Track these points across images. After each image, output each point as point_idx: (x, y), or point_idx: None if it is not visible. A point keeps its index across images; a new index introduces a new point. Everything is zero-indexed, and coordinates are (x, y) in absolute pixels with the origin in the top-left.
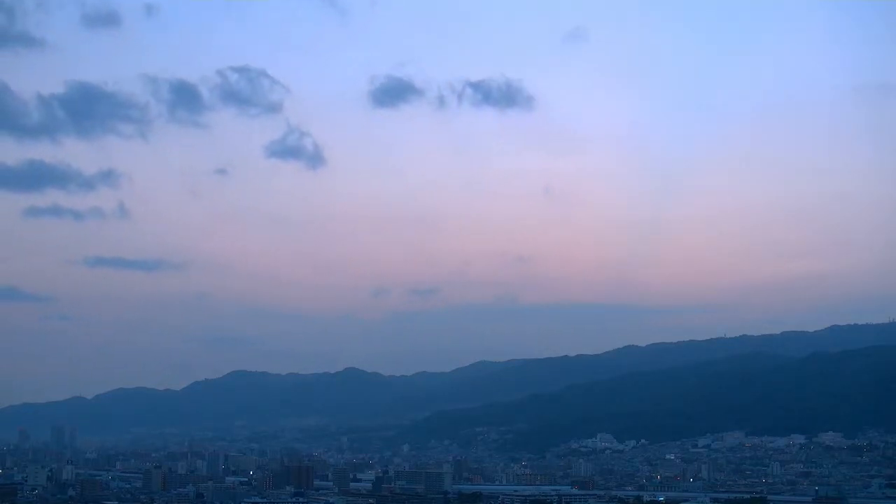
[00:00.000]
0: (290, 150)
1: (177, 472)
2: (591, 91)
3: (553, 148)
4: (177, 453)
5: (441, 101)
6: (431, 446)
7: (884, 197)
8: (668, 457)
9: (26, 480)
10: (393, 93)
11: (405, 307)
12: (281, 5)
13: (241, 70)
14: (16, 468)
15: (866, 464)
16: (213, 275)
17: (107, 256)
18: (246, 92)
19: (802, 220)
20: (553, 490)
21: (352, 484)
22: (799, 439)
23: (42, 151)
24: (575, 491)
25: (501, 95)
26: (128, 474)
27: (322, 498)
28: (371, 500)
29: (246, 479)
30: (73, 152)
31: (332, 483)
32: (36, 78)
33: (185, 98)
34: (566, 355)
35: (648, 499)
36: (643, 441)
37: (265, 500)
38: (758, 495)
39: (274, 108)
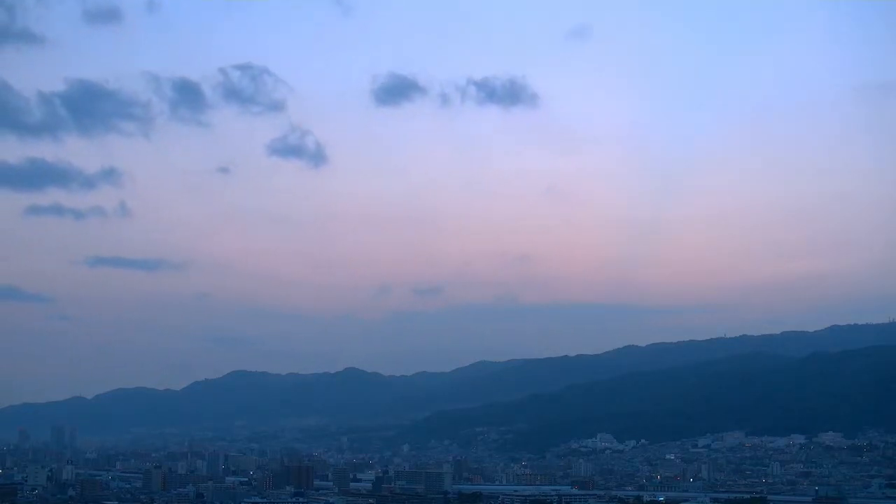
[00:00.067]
0: (292, 148)
1: (177, 472)
2: (594, 89)
3: (555, 147)
4: (177, 453)
5: (444, 100)
6: (431, 446)
7: (884, 197)
8: (668, 457)
9: (26, 480)
10: (396, 91)
11: (407, 307)
12: (284, 3)
13: (244, 68)
14: (16, 468)
15: (866, 464)
16: (214, 274)
17: (107, 256)
18: (248, 90)
19: (802, 220)
20: (553, 490)
21: (352, 484)
22: (799, 439)
23: (43, 150)
24: (575, 491)
25: (505, 93)
26: (128, 474)
27: (322, 498)
28: (371, 500)
29: (246, 479)
30: (74, 151)
31: (332, 483)
32: (37, 75)
33: (186, 96)
34: (566, 355)
35: (648, 499)
36: (643, 441)
37: (265, 500)
38: (758, 495)
39: (276, 107)
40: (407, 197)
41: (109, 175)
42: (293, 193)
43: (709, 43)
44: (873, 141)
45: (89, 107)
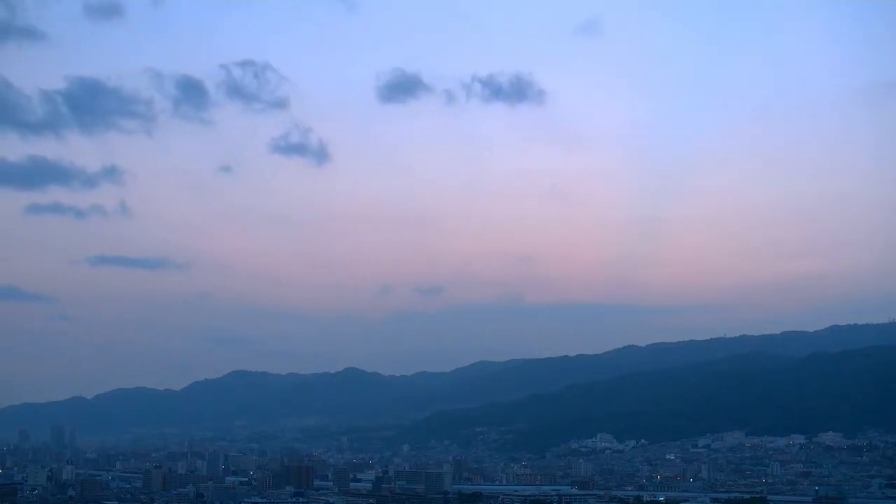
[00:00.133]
0: (295, 146)
1: (177, 472)
2: (600, 87)
3: (559, 146)
4: (177, 453)
5: (449, 97)
6: (431, 446)
7: (884, 197)
8: (668, 457)
9: (26, 480)
10: (400, 88)
11: (408, 306)
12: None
13: (246, 65)
14: (16, 468)
15: (866, 464)
16: (215, 274)
17: (108, 255)
18: (251, 87)
19: (802, 220)
20: (553, 490)
21: (352, 484)
22: (799, 439)
23: (44, 148)
24: (575, 491)
25: (511, 90)
26: (128, 474)
27: (322, 498)
28: (371, 500)
29: (246, 479)
30: (75, 149)
31: (332, 483)
32: (38, 73)
33: (189, 93)
34: (566, 355)
35: (648, 499)
36: (643, 441)
37: (265, 500)
38: (758, 495)
39: (279, 104)
40: (409, 196)
41: (111, 173)
42: (295, 192)
43: (709, 42)
44: (873, 141)
45: (90, 104)
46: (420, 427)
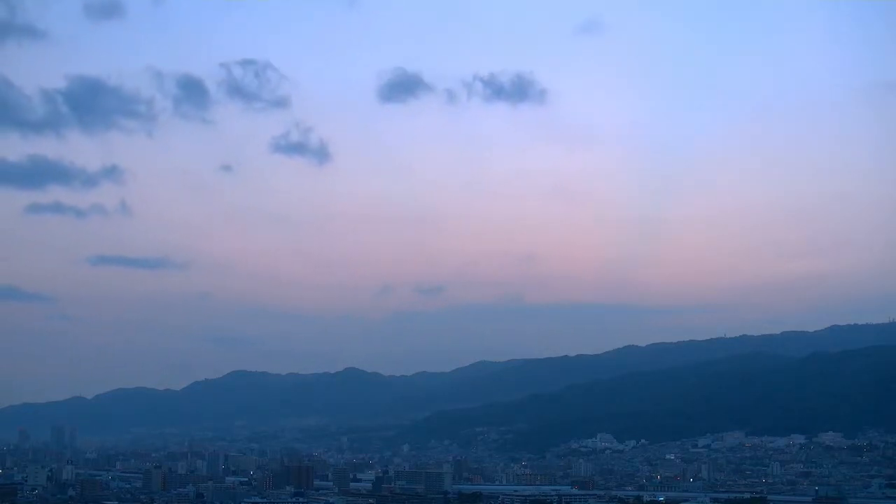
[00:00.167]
0: (295, 146)
1: (177, 472)
2: (601, 86)
3: (560, 145)
4: (177, 453)
5: (450, 96)
6: (431, 446)
7: (884, 197)
8: (668, 457)
9: (26, 480)
10: (401, 87)
11: (409, 306)
12: None
13: (247, 64)
14: (16, 468)
15: (866, 464)
16: (216, 274)
17: (109, 255)
18: (251, 86)
19: (802, 220)
20: (553, 490)
21: (352, 484)
22: (799, 439)
23: (44, 147)
24: (575, 491)
25: (512, 90)
26: (128, 474)
27: (322, 498)
28: (371, 500)
29: (246, 479)
30: (75, 148)
31: (332, 483)
32: (38, 71)
33: (189, 92)
34: (566, 355)
35: (648, 499)
36: (643, 441)
37: (265, 500)
38: (758, 495)
39: (280, 103)
40: (409, 196)
41: (111, 173)
42: (295, 192)
43: (709, 42)
44: (873, 141)
45: (91, 103)
46: (420, 427)
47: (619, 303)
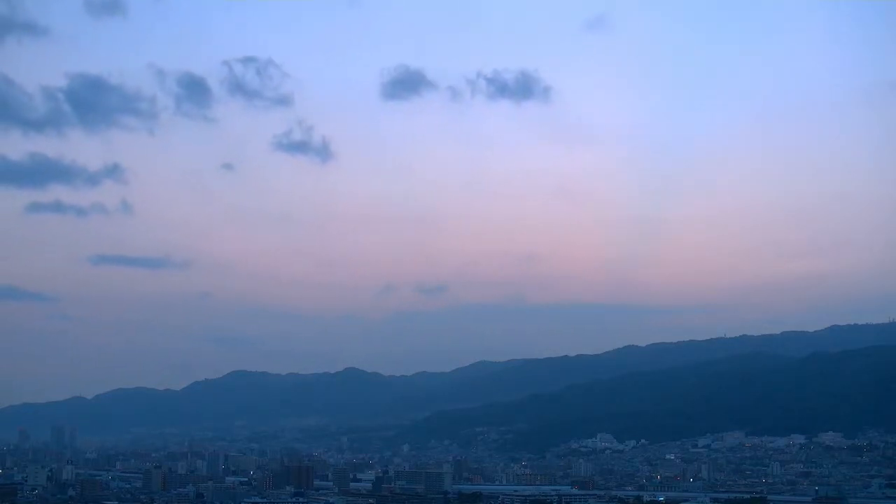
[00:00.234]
0: (297, 144)
1: (177, 472)
2: (606, 84)
3: (564, 144)
4: (177, 453)
5: (453, 94)
6: (431, 446)
7: (884, 197)
8: (668, 457)
9: (26, 480)
10: (404, 85)
11: (410, 306)
12: None
13: (249, 62)
14: (16, 468)
15: (866, 464)
16: (217, 273)
17: (109, 254)
18: (254, 84)
19: (802, 220)
20: (553, 490)
21: (352, 484)
22: (799, 439)
23: (45, 145)
24: (575, 491)
25: (516, 87)
26: (128, 474)
27: (322, 498)
28: (371, 500)
29: (246, 479)
30: (76, 146)
31: (332, 483)
32: (39, 69)
33: (191, 90)
34: (566, 355)
35: (648, 499)
36: (643, 441)
37: (265, 500)
38: (758, 495)
39: (282, 101)
40: (412, 195)
41: (112, 171)
42: (297, 191)
43: (709, 42)
44: (873, 141)
45: (92, 101)
46: (420, 427)
47: (619, 303)
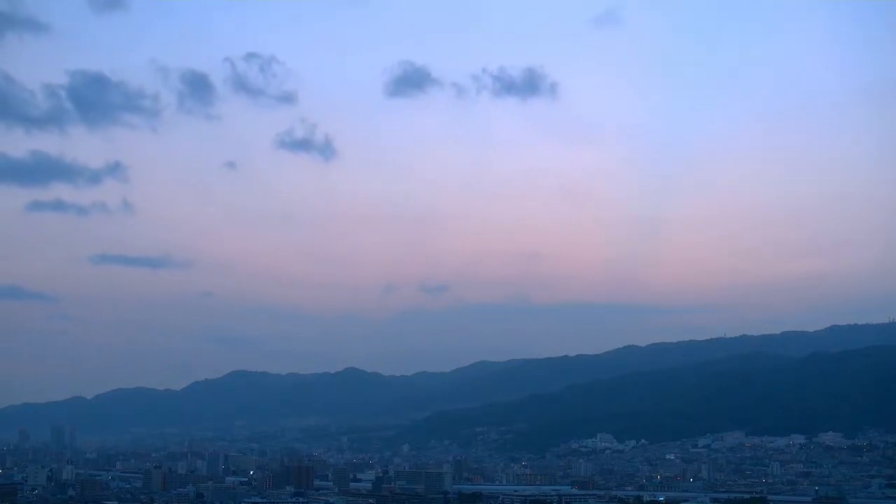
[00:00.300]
0: (300, 142)
1: (177, 472)
2: (608, 82)
3: (568, 142)
4: (177, 453)
5: (458, 91)
6: (431, 446)
7: (884, 197)
8: (668, 457)
9: (26, 480)
10: (408, 82)
11: (412, 305)
12: None
13: (252, 58)
14: (16, 468)
15: (866, 464)
16: (218, 273)
17: (110, 253)
18: (257, 81)
19: (802, 220)
20: (553, 490)
21: (352, 484)
22: (799, 439)
23: (46, 143)
24: (575, 491)
25: (522, 84)
26: (128, 474)
27: (322, 498)
28: (371, 500)
29: (246, 479)
30: (77, 144)
31: (332, 483)
32: (40, 66)
33: (194, 88)
34: (566, 355)
35: (648, 499)
36: (643, 441)
37: (265, 500)
38: (758, 495)
39: (285, 99)
40: (414, 194)
41: (114, 170)
42: (299, 190)
43: (710, 43)
44: (873, 141)
45: (93, 99)
46: (420, 427)
47: (619, 303)
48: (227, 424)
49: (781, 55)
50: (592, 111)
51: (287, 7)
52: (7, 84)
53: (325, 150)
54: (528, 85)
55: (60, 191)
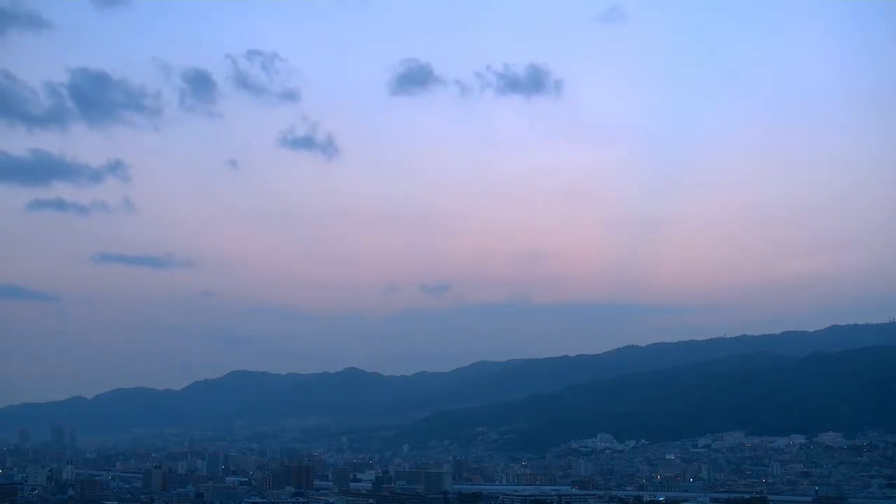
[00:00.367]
0: (302, 141)
1: (177, 472)
2: (611, 81)
3: (572, 141)
4: (177, 453)
5: (462, 89)
6: (431, 446)
7: (884, 197)
8: (668, 457)
9: (26, 480)
10: (411, 80)
11: (415, 305)
12: None
13: (254, 55)
14: (16, 468)
15: (866, 464)
16: (219, 272)
17: (111, 253)
18: (259, 79)
19: (802, 220)
20: (553, 490)
21: (352, 484)
22: (799, 439)
23: (47, 141)
24: (575, 491)
25: (527, 81)
26: (128, 474)
27: (322, 498)
28: (371, 500)
29: (246, 479)
30: (78, 142)
31: (332, 483)
32: (41, 63)
33: (195, 86)
34: (566, 355)
35: (648, 499)
36: (643, 441)
37: (265, 500)
38: (758, 495)
39: (288, 96)
40: (417, 193)
41: (115, 168)
42: (301, 189)
43: (710, 43)
44: (873, 141)
45: (95, 97)
46: (420, 427)
47: (619, 302)
48: (227, 424)
49: (782, 55)
50: (595, 110)
51: (289, 4)
52: (8, 82)
53: (328, 148)
54: (532, 82)
55: (61, 190)
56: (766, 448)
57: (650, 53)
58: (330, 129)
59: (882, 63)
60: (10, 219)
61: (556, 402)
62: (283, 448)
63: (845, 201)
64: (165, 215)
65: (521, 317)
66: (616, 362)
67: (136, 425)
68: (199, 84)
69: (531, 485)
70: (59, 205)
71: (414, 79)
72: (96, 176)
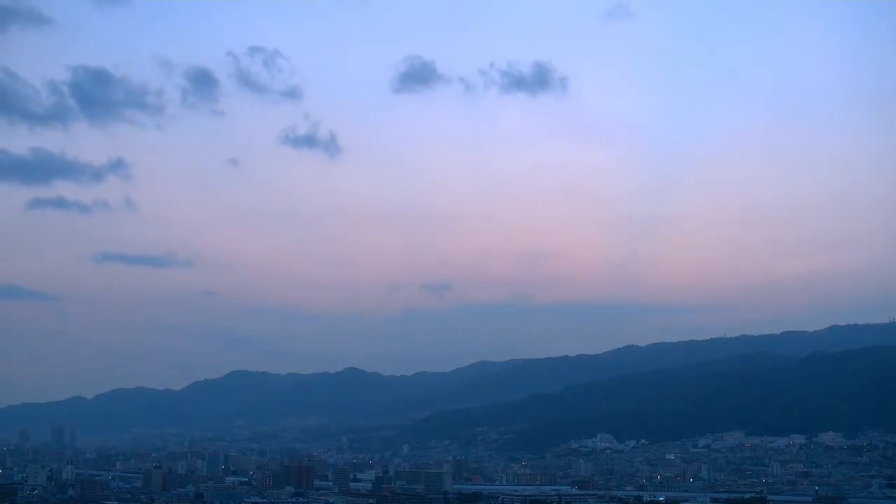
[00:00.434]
0: (304, 139)
1: (177, 472)
2: (613, 80)
3: (575, 140)
4: (177, 453)
5: (466, 86)
6: (431, 446)
7: (884, 197)
8: (668, 457)
9: (26, 480)
10: (414, 77)
11: (416, 304)
12: None
13: (255, 52)
14: (16, 468)
15: (866, 464)
16: (220, 272)
17: (113, 252)
18: (261, 77)
19: (802, 220)
20: (553, 490)
21: (352, 484)
22: (799, 439)
23: (48, 140)
24: (575, 491)
25: (531, 79)
26: (128, 474)
27: (322, 498)
28: (371, 500)
29: (246, 479)
30: (79, 141)
31: (332, 483)
32: (42, 61)
33: (197, 83)
34: (566, 355)
35: (648, 499)
36: (643, 441)
37: (265, 500)
38: (758, 495)
39: (289, 94)
40: (418, 192)
41: (116, 167)
42: (303, 187)
43: (711, 42)
44: (873, 141)
45: (96, 95)
46: (420, 427)
47: (619, 302)
48: (227, 424)
49: (782, 55)
50: (598, 108)
51: (291, 1)
52: (9, 80)
53: (330, 146)
54: (537, 80)
55: (62, 188)
56: (766, 448)
57: (652, 52)
58: (332, 128)
59: (882, 63)
60: (10, 218)
61: (556, 402)
62: (283, 448)
63: (845, 201)
64: (166, 215)
65: (522, 317)
66: (616, 362)
67: (136, 425)
68: (201, 82)
69: (531, 485)
70: (60, 204)
71: (417, 76)
72: (97, 175)
